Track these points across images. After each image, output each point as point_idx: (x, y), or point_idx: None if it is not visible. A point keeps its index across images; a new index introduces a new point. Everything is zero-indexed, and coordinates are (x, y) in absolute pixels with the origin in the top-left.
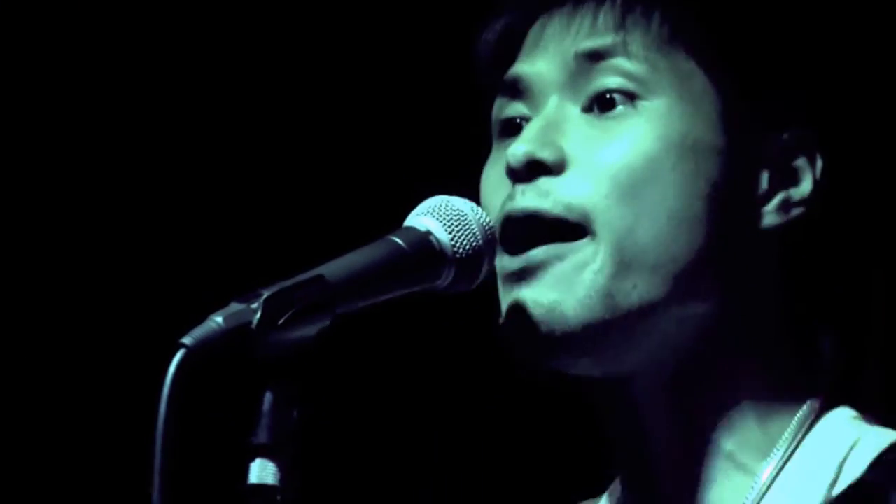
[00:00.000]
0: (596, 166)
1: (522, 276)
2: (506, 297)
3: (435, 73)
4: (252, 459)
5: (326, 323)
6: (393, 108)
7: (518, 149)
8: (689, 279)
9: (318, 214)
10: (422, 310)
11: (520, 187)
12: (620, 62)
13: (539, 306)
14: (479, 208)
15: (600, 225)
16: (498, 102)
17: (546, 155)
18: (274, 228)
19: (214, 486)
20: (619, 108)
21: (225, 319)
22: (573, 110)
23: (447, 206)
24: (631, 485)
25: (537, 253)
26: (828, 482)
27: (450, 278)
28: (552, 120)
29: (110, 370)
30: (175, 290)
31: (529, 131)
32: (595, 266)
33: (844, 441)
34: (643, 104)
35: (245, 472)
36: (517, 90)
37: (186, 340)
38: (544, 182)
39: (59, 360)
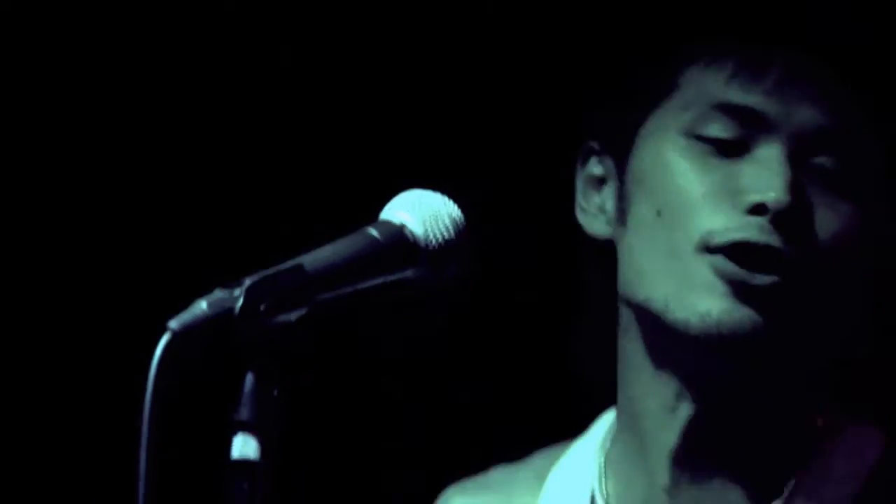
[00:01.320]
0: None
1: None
2: (717, 291)
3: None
4: (234, 435)
5: (304, 310)
6: (370, 105)
7: (784, 199)
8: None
9: (300, 208)
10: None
11: (765, 224)
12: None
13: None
14: (452, 203)
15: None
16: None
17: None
18: (260, 219)
19: (199, 464)
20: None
21: (209, 305)
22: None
23: (421, 200)
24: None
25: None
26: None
27: (423, 269)
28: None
29: (97, 355)
30: (162, 278)
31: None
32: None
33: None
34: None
35: (228, 448)
36: (759, 120)
37: (173, 324)
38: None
39: (46, 346)
